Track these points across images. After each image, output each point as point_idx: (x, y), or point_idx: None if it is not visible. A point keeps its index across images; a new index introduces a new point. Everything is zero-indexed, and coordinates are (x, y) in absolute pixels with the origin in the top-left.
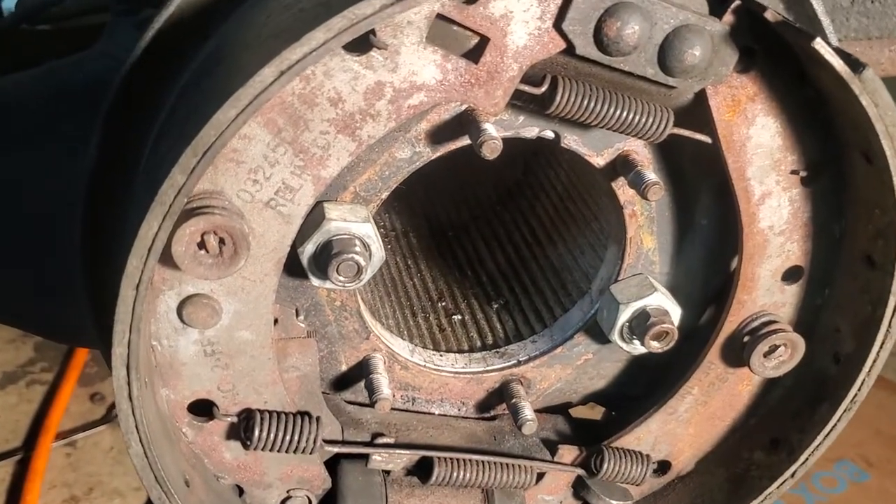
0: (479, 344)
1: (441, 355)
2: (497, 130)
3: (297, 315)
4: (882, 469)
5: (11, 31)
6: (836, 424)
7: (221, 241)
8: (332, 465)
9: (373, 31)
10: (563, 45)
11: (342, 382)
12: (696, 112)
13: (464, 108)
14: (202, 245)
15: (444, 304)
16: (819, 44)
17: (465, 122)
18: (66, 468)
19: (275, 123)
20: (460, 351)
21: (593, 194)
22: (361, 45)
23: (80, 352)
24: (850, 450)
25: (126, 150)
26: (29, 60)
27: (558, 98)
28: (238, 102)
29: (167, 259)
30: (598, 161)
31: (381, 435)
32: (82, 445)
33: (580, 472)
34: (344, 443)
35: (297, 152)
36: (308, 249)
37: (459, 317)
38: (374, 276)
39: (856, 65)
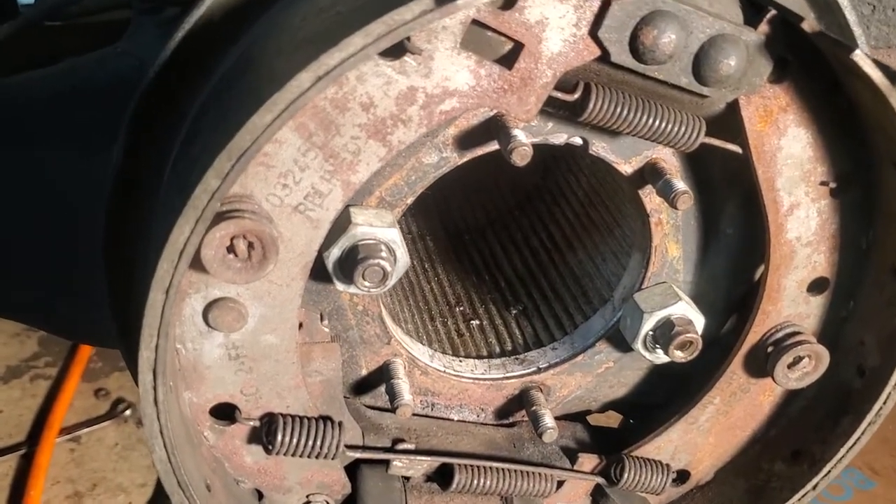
0: (498, 350)
1: (460, 361)
2: (526, 136)
3: (322, 319)
4: (888, 478)
5: (31, 28)
6: (860, 437)
7: (250, 246)
8: (352, 470)
9: (408, 37)
10: (598, 52)
11: (362, 387)
12: (728, 122)
13: (493, 113)
14: (231, 249)
15: (461, 308)
16: (858, 56)
17: (494, 128)
18: (69, 464)
19: (306, 128)
20: (479, 357)
21: (616, 201)
22: (395, 49)
23: (84, 347)
24: (856, 458)
25: (151, 151)
26: (45, 57)
27: (591, 105)
28: (274, 107)
29: (195, 262)
30: (626, 168)
31: (402, 441)
32: (86, 441)
33: (600, 480)
34: (365, 448)
35: (328, 157)
36: (333, 254)
37: (478, 322)
38: None
39: (895, 77)
